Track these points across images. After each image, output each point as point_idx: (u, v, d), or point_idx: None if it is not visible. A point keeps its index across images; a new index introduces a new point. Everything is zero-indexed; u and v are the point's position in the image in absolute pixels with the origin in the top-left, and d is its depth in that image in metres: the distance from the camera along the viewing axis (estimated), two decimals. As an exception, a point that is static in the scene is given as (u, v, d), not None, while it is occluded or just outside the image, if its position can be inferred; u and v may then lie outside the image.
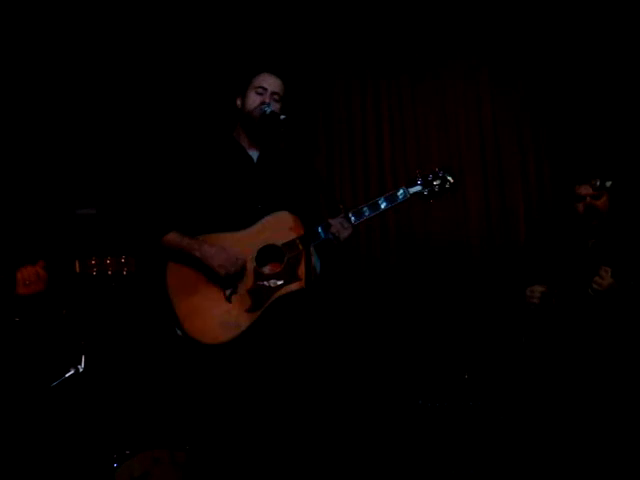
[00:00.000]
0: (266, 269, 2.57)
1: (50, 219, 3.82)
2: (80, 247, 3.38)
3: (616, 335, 3.02)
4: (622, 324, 3.02)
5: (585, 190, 3.20)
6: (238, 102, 2.76)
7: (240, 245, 2.56)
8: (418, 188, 2.68)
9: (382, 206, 2.61)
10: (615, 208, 3.23)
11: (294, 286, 2.55)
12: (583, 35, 4.15)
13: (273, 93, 2.69)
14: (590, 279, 3.02)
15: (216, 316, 2.51)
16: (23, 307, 3.13)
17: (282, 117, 2.60)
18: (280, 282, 2.54)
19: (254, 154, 2.76)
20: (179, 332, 2.54)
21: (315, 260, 2.63)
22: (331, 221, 2.54)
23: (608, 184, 3.14)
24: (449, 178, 2.70)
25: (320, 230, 2.55)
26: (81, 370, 3.22)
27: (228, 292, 2.55)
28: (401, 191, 2.65)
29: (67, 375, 3.20)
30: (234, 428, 2.55)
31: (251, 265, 2.56)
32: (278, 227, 2.59)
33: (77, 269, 2.64)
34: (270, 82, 2.71)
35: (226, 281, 2.54)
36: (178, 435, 3.06)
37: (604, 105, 4.11)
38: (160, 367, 3.42)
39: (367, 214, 2.59)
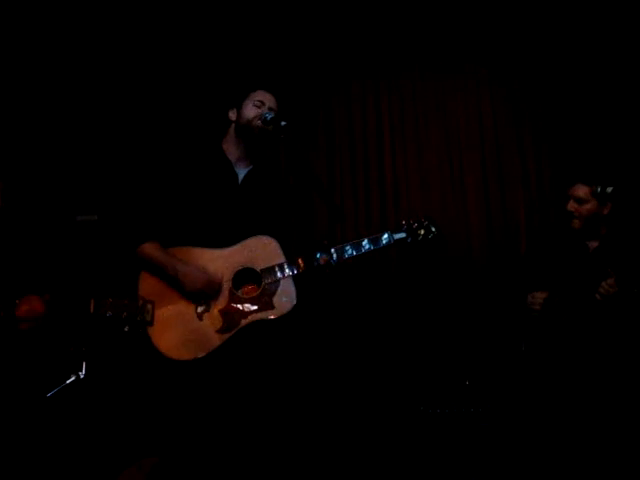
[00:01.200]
0: (241, 292, 2.55)
1: (51, 228, 3.81)
2: (93, 284, 3.36)
3: (617, 341, 3.01)
4: (623, 330, 3.01)
5: (570, 191, 3.18)
6: (231, 114, 2.76)
7: (218, 263, 2.54)
8: (402, 235, 2.71)
9: (365, 247, 2.63)
10: (616, 214, 3.22)
11: (269, 314, 2.52)
12: (584, 37, 4.15)
13: (270, 108, 2.70)
14: (592, 284, 3.01)
15: (184, 333, 2.48)
16: (25, 342, 3.13)
17: (283, 123, 2.60)
18: (254, 307, 2.52)
19: (241, 172, 2.73)
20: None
21: (292, 288, 2.59)
22: (313, 255, 2.55)
23: (609, 190, 3.13)
24: (433, 229, 2.72)
25: (300, 261, 2.56)
26: (82, 377, 3.22)
27: (200, 309, 2.52)
28: (386, 235, 2.67)
29: (68, 382, 3.20)
30: (205, 441, 2.52)
31: (227, 285, 2.54)
32: (259, 251, 2.58)
33: (91, 309, 2.61)
34: (267, 98, 2.73)
35: (200, 298, 2.52)
36: (149, 445, 3.02)
37: (605, 107, 4.11)
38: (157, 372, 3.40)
39: (349, 253, 2.60)
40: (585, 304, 3.05)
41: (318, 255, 2.55)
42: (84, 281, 3.43)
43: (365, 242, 2.62)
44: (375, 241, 2.64)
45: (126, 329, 2.81)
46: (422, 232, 2.70)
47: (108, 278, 3.54)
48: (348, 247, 2.60)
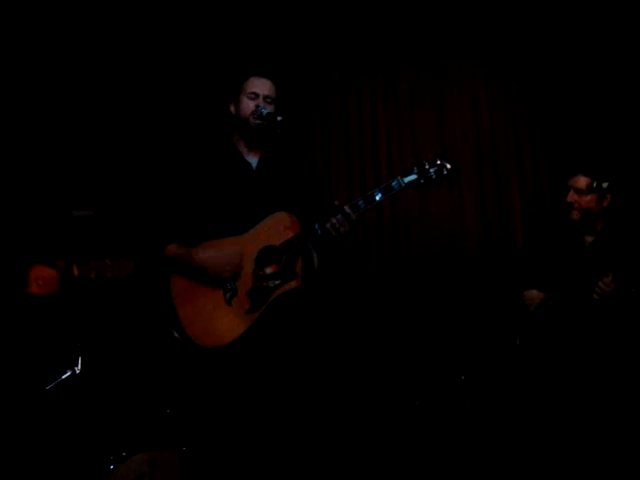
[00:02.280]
0: (265, 270, 2.58)
1: (47, 220, 3.81)
2: (77, 250, 3.37)
3: (613, 338, 3.02)
4: (619, 326, 3.02)
5: (571, 182, 3.17)
6: (232, 108, 2.75)
7: (240, 248, 2.59)
8: (414, 177, 2.60)
9: (377, 197, 2.57)
10: (613, 208, 3.22)
11: (292, 284, 2.57)
12: (580, 35, 4.15)
13: (265, 97, 2.68)
14: (588, 281, 3.02)
15: (217, 319, 2.55)
16: (32, 307, 3.13)
17: (279, 118, 2.60)
18: (278, 281, 2.56)
19: (253, 160, 2.74)
20: (176, 334, 2.55)
21: (313, 256, 2.66)
22: (329, 218, 2.54)
23: (605, 185, 3.13)
24: (447, 164, 2.62)
25: (317, 227, 2.56)
26: (78, 372, 3.21)
27: (228, 295, 2.57)
28: (395, 181, 2.60)
29: (64, 377, 3.20)
30: (233, 430, 2.56)
31: (250, 267, 2.57)
32: (276, 228, 2.60)
33: (76, 273, 2.62)
34: (260, 86, 2.70)
35: (226, 284, 2.57)
36: (175, 437, 3.05)
37: (601, 104, 4.11)
38: (158, 369, 3.41)
39: (362, 207, 2.57)
40: (581, 299, 3.06)
41: (334, 217, 2.54)
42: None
43: (376, 192, 2.57)
44: (386, 189, 2.58)
45: (112, 288, 2.85)
46: (434, 170, 2.61)
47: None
48: (361, 201, 2.57)
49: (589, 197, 3.14)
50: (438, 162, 2.62)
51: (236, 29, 4.31)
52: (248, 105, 2.67)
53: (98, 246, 3.50)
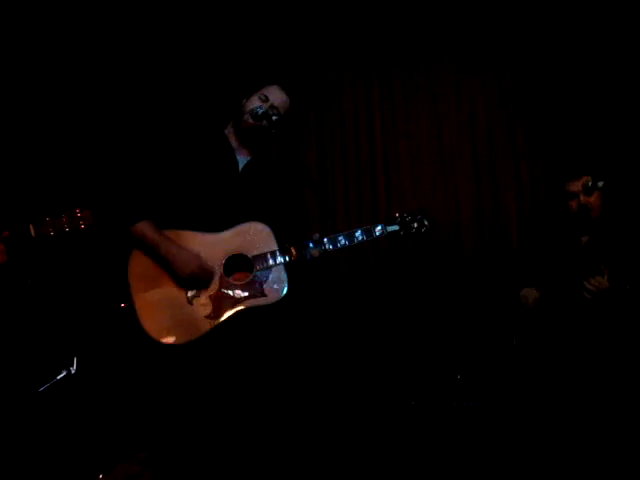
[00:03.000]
0: (232, 278, 2.53)
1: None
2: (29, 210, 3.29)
3: (609, 336, 3.02)
4: (615, 325, 3.02)
5: (576, 187, 3.19)
6: (243, 103, 2.71)
7: (210, 248, 2.52)
8: (396, 228, 2.69)
9: (358, 238, 2.62)
10: (608, 206, 3.24)
11: (259, 301, 2.51)
12: (575, 34, 4.15)
13: (273, 107, 2.65)
14: (584, 278, 3.02)
15: (173, 316, 2.46)
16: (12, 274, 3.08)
17: (274, 118, 2.58)
18: (245, 294, 2.51)
19: (242, 159, 2.71)
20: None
21: (283, 276, 2.57)
22: (306, 244, 2.54)
23: (600, 184, 3.14)
24: (425, 222, 2.71)
25: (291, 248, 2.55)
26: (73, 372, 3.21)
27: (190, 294, 2.50)
28: (379, 227, 2.66)
29: (59, 377, 3.19)
30: (197, 428, 2.51)
31: (218, 271, 2.52)
32: (251, 237, 2.56)
33: (32, 233, 2.54)
34: (276, 95, 2.68)
35: (190, 284, 2.50)
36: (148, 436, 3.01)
37: (597, 103, 4.11)
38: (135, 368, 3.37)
39: (342, 243, 2.59)
40: (577, 298, 3.06)
41: (311, 245, 2.54)
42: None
43: (358, 233, 2.61)
44: (368, 232, 2.63)
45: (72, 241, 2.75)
46: (415, 225, 2.70)
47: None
48: (341, 237, 2.59)
49: (595, 195, 3.17)
50: (418, 217, 2.72)
51: (237, 26, 4.32)
52: (253, 104, 2.64)
53: (50, 203, 3.43)
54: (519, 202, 4.24)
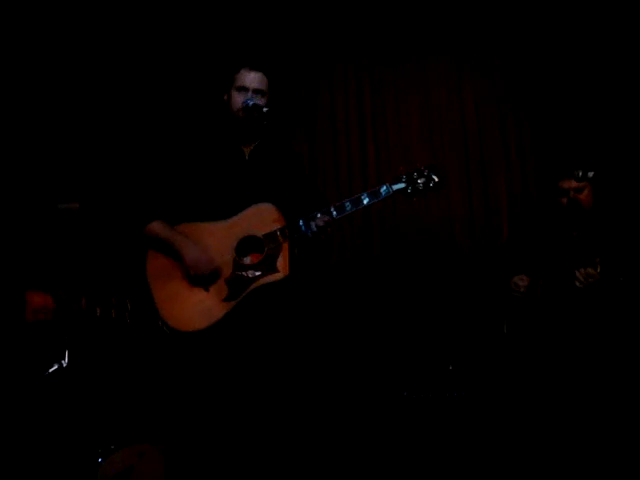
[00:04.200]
0: (245, 260, 2.58)
1: (32, 216, 3.78)
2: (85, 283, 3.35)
3: (600, 326, 3.04)
4: (607, 316, 3.04)
5: (568, 184, 3.23)
6: (225, 98, 2.74)
7: (222, 236, 2.57)
8: (402, 185, 2.66)
9: (364, 202, 2.62)
10: (599, 200, 3.26)
11: (272, 277, 2.56)
12: (567, 28, 4.18)
13: (255, 90, 2.66)
14: (576, 268, 3.04)
15: (192, 304, 2.53)
16: (29, 334, 3.12)
17: (265, 110, 2.60)
18: (258, 273, 2.56)
19: (246, 150, 2.74)
20: (164, 328, 2.53)
21: (295, 251, 2.64)
22: (314, 214, 2.56)
23: (590, 174, 3.16)
24: (434, 177, 2.68)
25: (301, 223, 2.56)
26: (65, 365, 3.20)
27: None
28: (384, 187, 2.64)
29: (51, 370, 3.18)
30: (213, 418, 2.55)
31: (230, 255, 2.56)
32: (259, 218, 2.60)
33: (84, 306, 2.62)
34: (250, 79, 2.68)
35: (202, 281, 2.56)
36: (160, 427, 3.05)
37: (587, 98, 4.14)
38: (144, 360, 3.40)
39: (349, 209, 2.60)
40: (567, 289, 3.08)
41: (319, 215, 2.56)
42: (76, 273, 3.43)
43: (364, 196, 2.62)
44: (374, 194, 2.63)
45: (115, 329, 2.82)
46: (422, 181, 2.67)
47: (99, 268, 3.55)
48: (347, 203, 2.60)
49: (587, 190, 3.19)
50: (426, 173, 2.68)
51: (228, 21, 4.31)
52: (237, 99, 2.66)
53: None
54: (510, 195, 4.26)
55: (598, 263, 2.97)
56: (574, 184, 3.21)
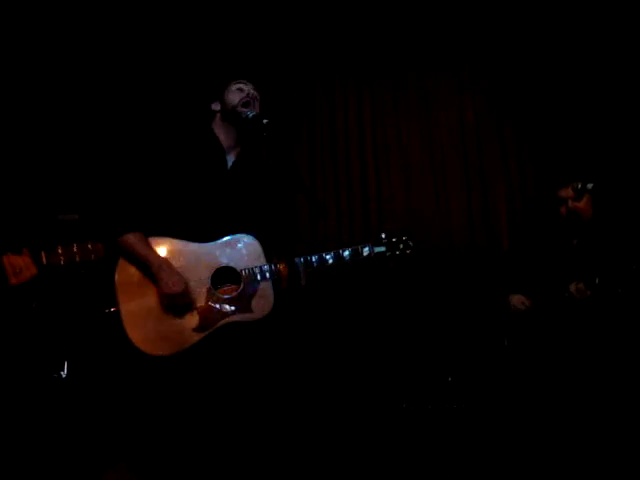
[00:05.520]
0: (220, 291, 2.54)
1: (32, 225, 3.77)
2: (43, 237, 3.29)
3: (599, 338, 3.04)
4: (605, 327, 3.04)
5: (566, 193, 3.23)
6: (214, 106, 2.71)
7: (198, 260, 2.52)
8: (382, 249, 2.73)
9: (346, 258, 2.64)
10: (598, 209, 3.26)
11: (246, 316, 2.53)
12: (564, 37, 4.19)
13: (249, 94, 2.64)
14: (574, 280, 3.05)
15: (160, 328, 2.46)
16: (20, 297, 3.07)
17: (265, 121, 2.55)
18: (232, 308, 2.52)
19: (230, 158, 2.70)
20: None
21: (270, 292, 2.59)
22: (295, 261, 2.55)
23: (589, 186, 3.17)
24: (410, 244, 2.75)
25: (270, 269, 2.56)
26: (64, 376, 3.19)
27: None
28: (367, 248, 2.69)
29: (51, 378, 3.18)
30: (178, 439, 2.51)
31: (206, 283, 2.52)
32: (240, 251, 2.57)
33: (44, 261, 2.57)
34: (247, 86, 2.67)
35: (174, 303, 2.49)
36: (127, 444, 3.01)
37: (585, 106, 4.14)
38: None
39: (330, 262, 2.61)
40: (566, 300, 3.08)
41: (300, 261, 2.55)
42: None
43: (346, 253, 2.64)
44: (355, 253, 2.66)
45: (83, 271, 2.74)
46: (401, 247, 2.74)
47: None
48: (329, 257, 2.61)
49: (585, 199, 3.20)
50: (404, 239, 2.75)
51: (222, 32, 4.31)
52: (236, 95, 2.63)
53: (65, 232, 3.44)
54: (510, 207, 4.26)
55: (597, 278, 2.98)
56: (572, 193, 3.21)
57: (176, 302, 2.45)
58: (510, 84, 4.33)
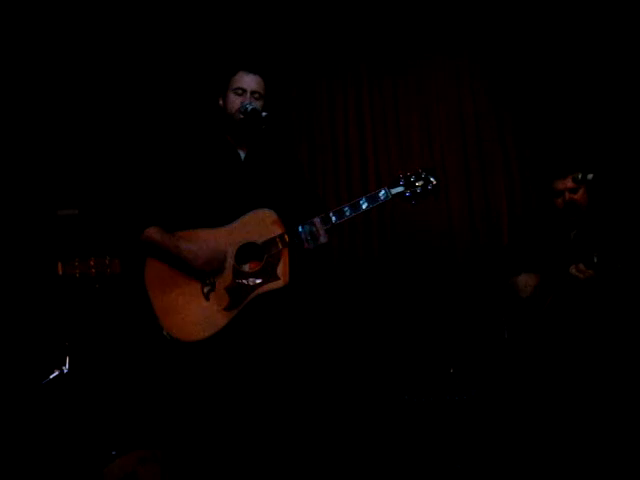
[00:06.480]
0: (245, 267, 2.57)
1: (32, 220, 3.77)
2: (62, 248, 3.34)
3: (602, 329, 3.04)
4: (608, 319, 3.04)
5: (562, 184, 3.23)
6: (220, 102, 2.74)
7: (219, 242, 2.55)
8: (400, 189, 2.64)
9: (363, 206, 2.60)
10: (595, 199, 3.26)
11: (273, 285, 2.55)
12: (563, 30, 4.18)
13: (252, 92, 2.67)
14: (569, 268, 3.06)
15: (193, 313, 2.50)
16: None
17: (264, 114, 2.58)
18: (258, 280, 2.55)
19: (242, 153, 2.73)
20: (167, 337, 2.52)
21: (295, 257, 2.62)
22: (313, 220, 2.54)
23: (590, 177, 3.16)
24: (432, 180, 2.65)
25: (301, 229, 2.55)
26: (65, 371, 3.20)
27: (206, 289, 2.54)
28: (383, 192, 2.62)
29: (52, 377, 3.18)
30: (213, 425, 2.54)
31: (230, 262, 2.55)
32: (258, 225, 2.58)
33: (60, 271, 2.60)
34: (248, 81, 2.67)
35: (205, 278, 2.54)
36: (161, 434, 3.05)
37: (584, 100, 4.14)
38: (144, 367, 3.40)
39: (348, 214, 2.59)
40: (567, 286, 3.08)
41: (318, 220, 2.54)
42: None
43: (362, 201, 2.60)
44: (372, 198, 2.61)
45: (97, 286, 2.81)
46: (420, 184, 2.64)
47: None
48: (346, 208, 2.59)
49: (581, 191, 3.20)
50: (424, 176, 2.65)
51: (228, 25, 4.31)
52: (234, 101, 2.66)
53: (84, 245, 3.47)
54: (509, 198, 4.26)
55: (595, 257, 2.97)
56: (569, 184, 3.20)
57: (209, 281, 2.51)
58: (509, 73, 4.31)
